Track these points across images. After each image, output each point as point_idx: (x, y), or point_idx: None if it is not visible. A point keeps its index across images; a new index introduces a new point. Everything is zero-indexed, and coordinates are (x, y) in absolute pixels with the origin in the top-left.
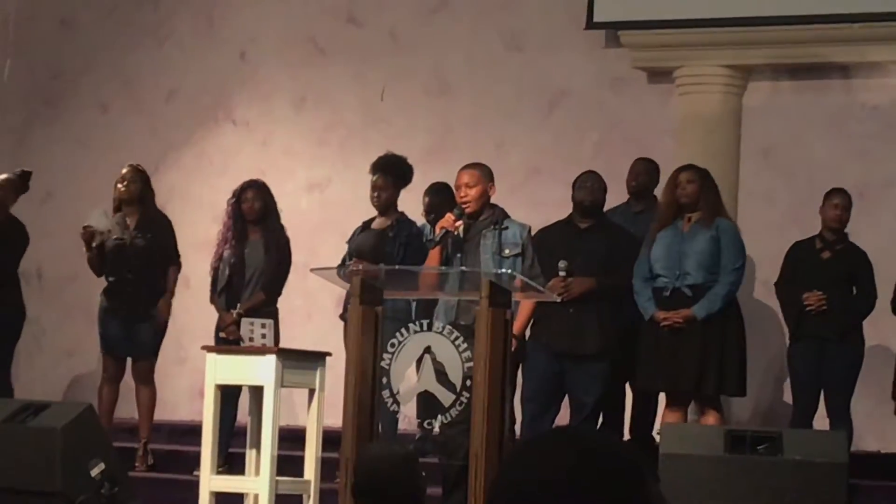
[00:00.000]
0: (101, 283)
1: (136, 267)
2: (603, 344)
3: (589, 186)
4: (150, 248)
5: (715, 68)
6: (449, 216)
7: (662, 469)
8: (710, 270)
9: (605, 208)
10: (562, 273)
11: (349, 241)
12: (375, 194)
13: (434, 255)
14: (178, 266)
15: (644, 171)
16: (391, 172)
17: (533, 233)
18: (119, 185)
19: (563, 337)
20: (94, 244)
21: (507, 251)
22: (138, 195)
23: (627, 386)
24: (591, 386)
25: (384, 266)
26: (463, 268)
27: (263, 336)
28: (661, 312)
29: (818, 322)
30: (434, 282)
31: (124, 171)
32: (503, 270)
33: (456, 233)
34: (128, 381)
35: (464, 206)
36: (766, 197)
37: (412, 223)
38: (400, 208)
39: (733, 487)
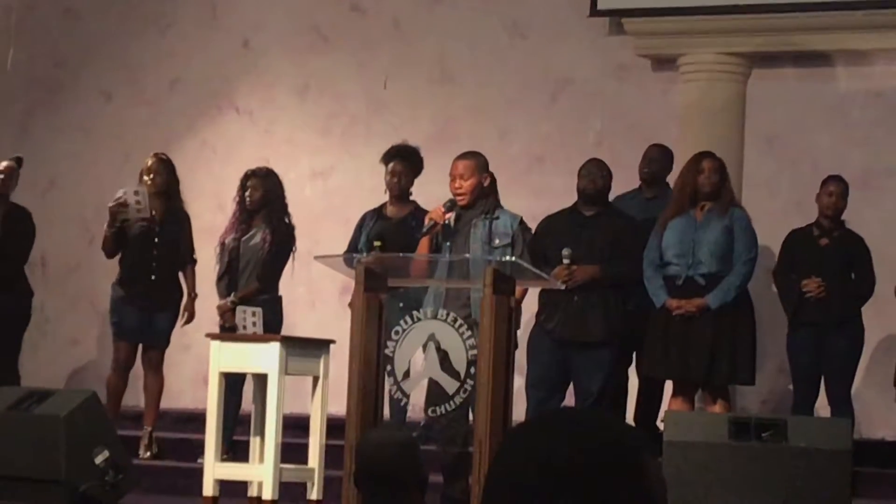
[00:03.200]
0: (106, 271)
1: (160, 257)
2: (607, 331)
3: (592, 175)
4: (175, 241)
5: (719, 56)
6: (439, 208)
7: (666, 456)
8: (724, 260)
9: (616, 194)
10: (566, 261)
11: (361, 229)
12: (395, 180)
13: (423, 244)
14: (195, 263)
15: (658, 158)
16: (408, 160)
17: (537, 221)
18: (145, 178)
19: (567, 324)
20: (117, 223)
21: (496, 241)
22: (164, 187)
23: (633, 374)
24: (595, 373)
25: (403, 254)
26: (451, 256)
27: (254, 324)
28: (673, 301)
29: (817, 309)
30: (424, 269)
31: (150, 162)
32: (495, 258)
33: (446, 222)
34: (133, 369)
35: (457, 197)
36: (769, 184)
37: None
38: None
39: (737, 474)
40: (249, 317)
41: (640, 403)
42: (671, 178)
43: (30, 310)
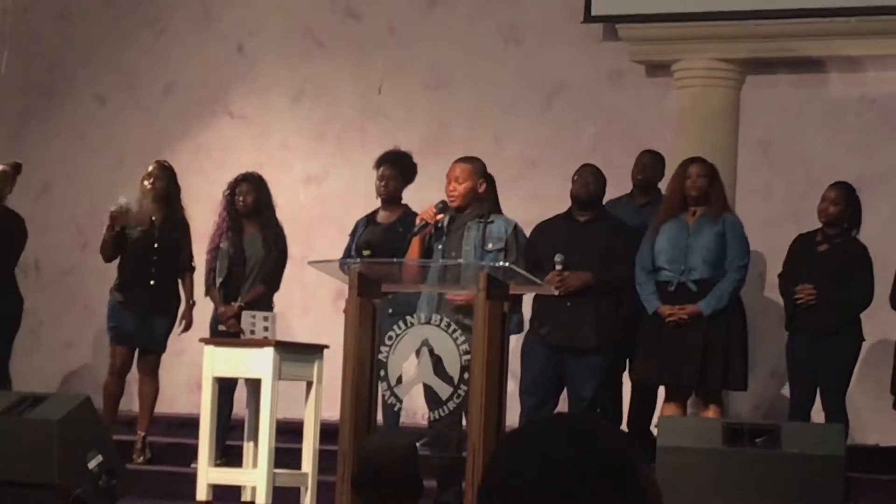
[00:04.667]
0: (99, 275)
1: (159, 262)
2: (601, 337)
3: (585, 180)
4: (174, 249)
5: (713, 62)
6: (430, 208)
7: (660, 462)
8: (716, 266)
9: (608, 199)
10: (558, 266)
11: (353, 235)
12: (383, 183)
13: (414, 246)
14: (193, 270)
15: (651, 165)
16: (398, 165)
17: (531, 226)
18: (145, 182)
19: (561, 330)
20: (116, 227)
21: (490, 245)
22: (165, 193)
23: (626, 380)
24: (588, 379)
25: (394, 259)
26: (444, 260)
27: (266, 329)
28: (665, 307)
29: (812, 315)
30: (416, 274)
31: (150, 167)
32: (486, 263)
33: (439, 224)
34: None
35: (450, 199)
36: (763, 191)
37: None
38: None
39: (731, 480)
40: (260, 321)
41: (633, 409)
42: (663, 184)
43: (20, 313)
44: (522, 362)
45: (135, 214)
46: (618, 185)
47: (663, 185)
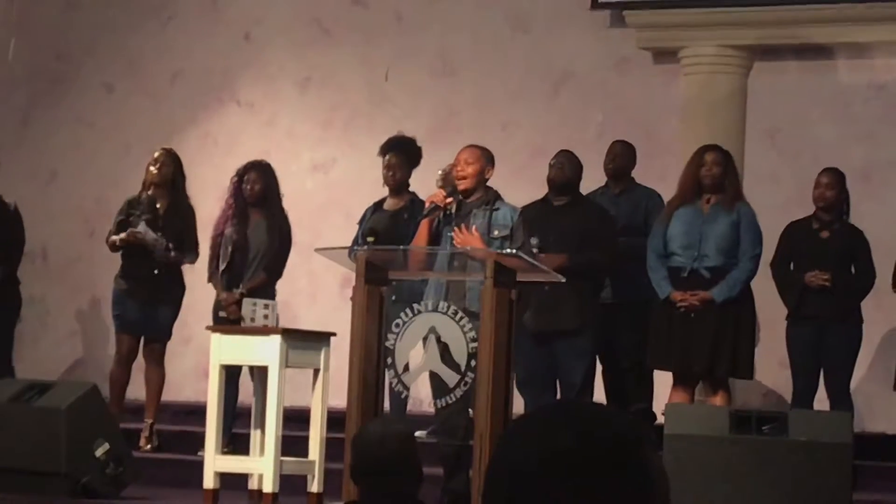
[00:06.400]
0: (106, 263)
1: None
2: (581, 319)
3: (560, 165)
4: (178, 235)
5: (720, 48)
6: (440, 192)
7: (667, 449)
8: (729, 254)
9: (586, 192)
10: (534, 250)
11: (361, 222)
12: (391, 173)
13: (423, 229)
14: (196, 255)
15: (621, 153)
16: (404, 152)
17: None
18: (151, 168)
19: (540, 314)
20: (126, 243)
21: (495, 232)
22: (170, 179)
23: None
24: (575, 364)
25: (402, 247)
26: (451, 248)
27: (265, 317)
28: (678, 293)
29: (818, 303)
30: (423, 261)
31: (157, 154)
32: (493, 249)
33: (447, 210)
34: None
35: (459, 181)
36: (771, 178)
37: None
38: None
39: (738, 468)
40: (261, 309)
41: (631, 392)
42: (636, 173)
43: (20, 301)
44: (514, 354)
45: (149, 244)
46: None
47: (637, 174)
